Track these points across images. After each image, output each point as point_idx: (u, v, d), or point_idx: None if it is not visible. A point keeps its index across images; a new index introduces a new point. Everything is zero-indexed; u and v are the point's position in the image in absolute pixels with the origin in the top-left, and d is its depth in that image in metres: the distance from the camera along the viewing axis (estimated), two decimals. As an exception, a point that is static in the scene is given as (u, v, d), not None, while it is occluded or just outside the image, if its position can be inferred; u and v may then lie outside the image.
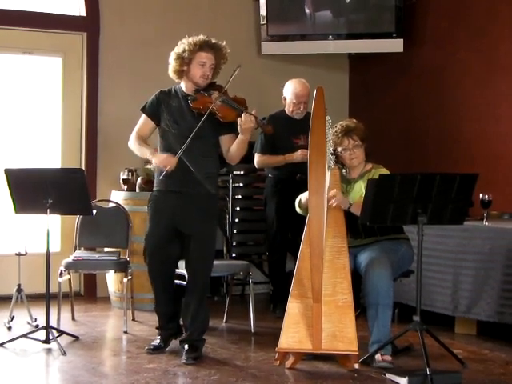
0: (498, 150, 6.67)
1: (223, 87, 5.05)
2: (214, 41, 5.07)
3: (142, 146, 5.13)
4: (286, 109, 6.33)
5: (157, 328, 5.32)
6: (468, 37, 6.97)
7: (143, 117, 5.19)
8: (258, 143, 6.39)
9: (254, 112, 4.97)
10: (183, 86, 5.13)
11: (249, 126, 4.93)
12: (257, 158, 6.39)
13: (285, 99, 6.33)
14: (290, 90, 6.28)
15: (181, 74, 5.07)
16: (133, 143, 5.19)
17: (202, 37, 5.03)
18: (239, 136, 5.01)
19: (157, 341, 5.25)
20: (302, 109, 6.24)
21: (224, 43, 5.11)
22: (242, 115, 4.92)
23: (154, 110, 5.14)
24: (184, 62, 5.01)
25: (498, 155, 6.66)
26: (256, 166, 6.47)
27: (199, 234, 5.04)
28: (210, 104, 4.97)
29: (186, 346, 5.06)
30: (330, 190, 4.95)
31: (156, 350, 5.18)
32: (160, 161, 5.00)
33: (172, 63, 5.08)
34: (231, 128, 5.05)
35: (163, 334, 5.26)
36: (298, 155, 6.11)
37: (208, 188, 5.05)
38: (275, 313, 6.31)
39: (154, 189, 5.20)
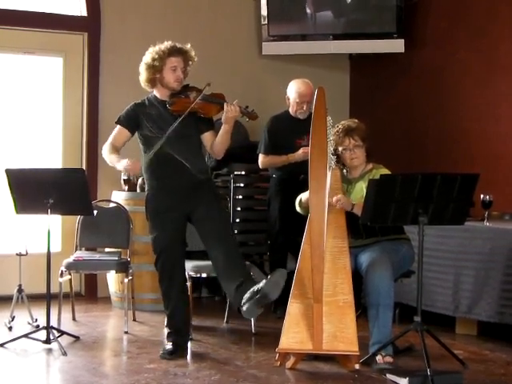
0: (498, 150, 6.67)
1: (199, 88, 5.13)
2: (179, 45, 5.17)
3: (111, 154, 5.18)
4: (290, 109, 6.32)
5: (168, 333, 5.27)
6: (468, 37, 6.97)
7: (118, 127, 5.25)
8: (261, 144, 6.38)
9: (235, 102, 5.07)
10: (157, 93, 5.22)
11: (233, 114, 5.04)
12: (260, 158, 6.38)
13: (288, 99, 6.31)
14: (294, 89, 6.27)
15: (154, 82, 5.17)
16: (106, 152, 5.22)
17: (168, 43, 5.14)
18: (223, 126, 5.11)
19: (169, 346, 5.17)
20: (305, 108, 6.20)
21: (189, 46, 5.22)
22: (225, 105, 5.04)
23: (129, 121, 5.21)
24: (156, 70, 5.11)
25: (499, 155, 6.66)
26: (260, 166, 6.46)
27: (210, 207, 5.12)
28: (189, 104, 5.07)
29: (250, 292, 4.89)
30: (330, 190, 4.95)
31: (171, 354, 5.09)
32: (124, 166, 5.06)
33: (143, 73, 5.18)
34: (211, 125, 5.20)
35: (176, 341, 5.19)
36: (299, 154, 6.09)
37: (202, 178, 5.14)
38: (276, 313, 6.30)
39: (149, 191, 5.23)
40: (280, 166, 6.30)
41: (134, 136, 5.27)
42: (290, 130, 6.23)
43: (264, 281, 4.78)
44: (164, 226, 5.14)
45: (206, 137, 5.21)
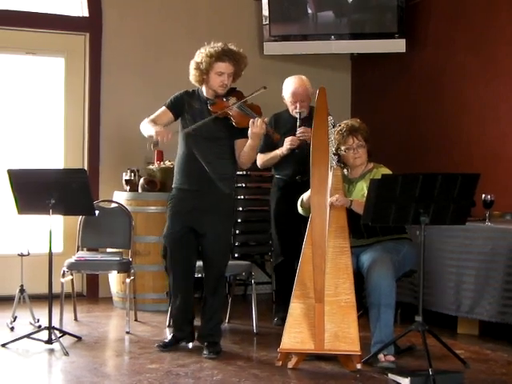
0: (498, 150, 6.67)
1: (243, 94, 5.18)
2: (232, 48, 5.15)
3: (149, 123, 5.17)
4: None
5: (169, 326, 5.39)
6: (468, 38, 6.97)
7: (163, 108, 5.27)
8: (261, 142, 6.31)
9: (265, 120, 5.08)
10: (204, 90, 5.23)
11: (258, 130, 5.02)
12: (258, 157, 6.31)
13: (283, 98, 6.23)
14: (285, 88, 6.14)
15: (201, 81, 5.19)
16: (144, 122, 5.21)
17: (219, 46, 5.12)
18: (248, 141, 5.09)
19: (168, 338, 5.34)
20: (298, 108, 5.99)
21: (242, 50, 5.20)
22: (251, 120, 5.03)
23: (175, 105, 5.24)
24: (202, 72, 5.11)
25: (499, 156, 6.65)
26: (258, 166, 6.40)
27: (213, 233, 5.14)
28: (225, 108, 5.10)
29: (206, 343, 5.19)
30: (332, 190, 4.95)
31: (166, 347, 5.25)
32: (155, 130, 5.03)
33: (192, 72, 5.18)
34: (245, 133, 5.12)
35: (175, 334, 5.34)
36: (284, 147, 6.01)
37: (222, 188, 5.14)
38: (274, 320, 6.23)
39: (173, 185, 5.31)
40: (277, 164, 6.15)
41: None
42: (287, 129, 6.09)
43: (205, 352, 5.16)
44: (176, 224, 5.21)
45: (239, 143, 5.20)
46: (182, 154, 5.20)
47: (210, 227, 5.12)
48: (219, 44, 5.13)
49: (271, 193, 6.40)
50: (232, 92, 5.21)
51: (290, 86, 6.10)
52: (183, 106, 5.21)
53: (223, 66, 5.09)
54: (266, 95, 7.39)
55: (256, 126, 5.01)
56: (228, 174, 5.22)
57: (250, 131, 5.04)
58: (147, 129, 5.14)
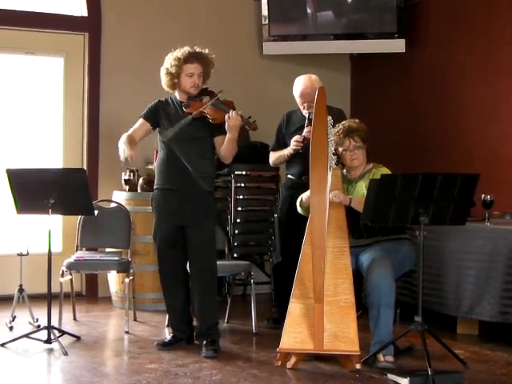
0: (498, 150, 6.66)
1: (215, 93, 5.31)
2: (198, 50, 5.30)
3: (124, 144, 5.25)
4: None
5: (168, 326, 5.46)
6: (468, 37, 6.97)
7: (140, 120, 5.40)
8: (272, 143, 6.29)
9: (240, 112, 5.22)
10: (177, 95, 5.38)
11: (234, 123, 5.17)
12: (270, 155, 6.28)
13: (295, 97, 6.17)
14: (294, 88, 6.10)
15: (173, 86, 5.34)
16: (121, 138, 5.31)
17: (186, 49, 5.27)
18: (227, 134, 5.23)
19: (167, 338, 5.44)
20: (306, 108, 5.89)
21: (207, 50, 5.34)
22: (227, 114, 5.17)
23: (151, 115, 5.38)
24: (173, 75, 5.27)
25: (499, 156, 6.65)
26: (270, 164, 6.35)
27: (199, 229, 5.24)
28: (201, 108, 5.24)
29: (204, 341, 5.21)
30: (331, 190, 4.95)
31: (165, 346, 5.33)
32: (124, 146, 5.18)
33: (163, 78, 5.34)
34: (224, 130, 5.25)
35: (175, 334, 5.43)
36: (290, 147, 5.98)
37: (203, 186, 5.24)
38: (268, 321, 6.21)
39: (154, 186, 5.43)
40: (287, 163, 6.11)
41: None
42: (298, 128, 6.04)
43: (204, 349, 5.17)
44: (163, 223, 5.33)
45: (218, 141, 5.33)
46: (163, 156, 5.33)
47: (196, 224, 5.23)
48: (185, 48, 5.28)
49: (282, 191, 6.42)
50: (204, 92, 5.35)
51: (298, 86, 6.04)
52: (159, 114, 5.35)
53: (192, 67, 5.26)
54: (265, 95, 7.44)
55: (231, 119, 5.16)
56: (209, 173, 5.35)
57: (226, 124, 5.18)
58: (120, 143, 5.25)
